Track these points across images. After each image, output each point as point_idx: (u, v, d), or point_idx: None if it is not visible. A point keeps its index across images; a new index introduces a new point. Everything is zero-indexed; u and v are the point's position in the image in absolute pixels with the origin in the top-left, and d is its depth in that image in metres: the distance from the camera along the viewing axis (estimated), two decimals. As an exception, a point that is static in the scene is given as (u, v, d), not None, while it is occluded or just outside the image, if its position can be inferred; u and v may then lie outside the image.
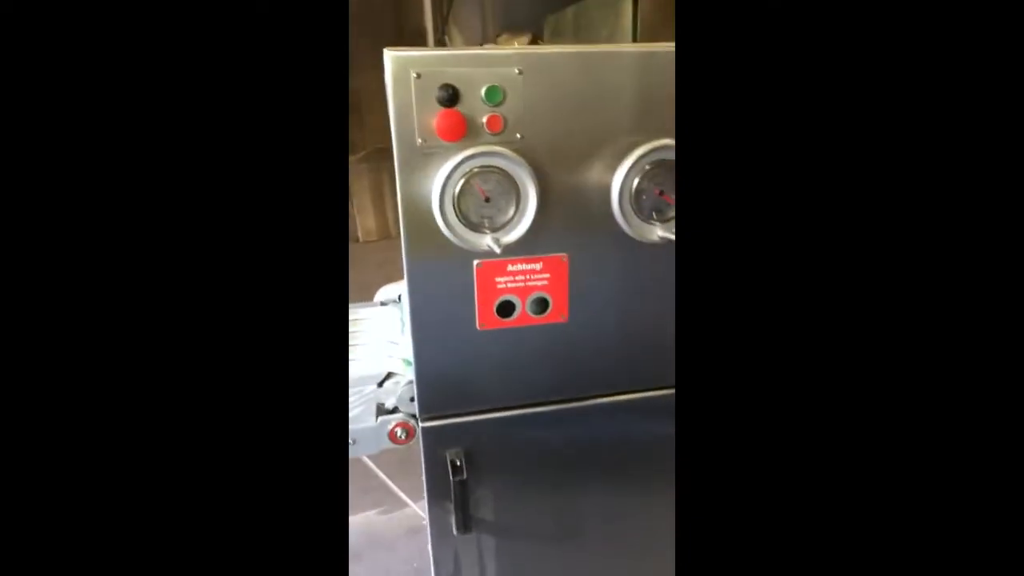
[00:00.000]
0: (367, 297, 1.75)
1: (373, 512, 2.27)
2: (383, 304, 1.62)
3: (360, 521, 2.24)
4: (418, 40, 4.92)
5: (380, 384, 1.19)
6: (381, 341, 1.35)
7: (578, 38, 1.52)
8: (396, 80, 0.86)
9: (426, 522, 1.13)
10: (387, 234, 5.37)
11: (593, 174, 0.96)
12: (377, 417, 1.07)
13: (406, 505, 2.25)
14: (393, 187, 0.91)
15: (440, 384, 1.03)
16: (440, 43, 4.77)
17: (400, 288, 1.69)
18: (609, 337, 1.06)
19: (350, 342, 1.34)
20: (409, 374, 1.17)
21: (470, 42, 4.61)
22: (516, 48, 0.92)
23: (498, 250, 0.90)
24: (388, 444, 1.07)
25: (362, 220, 5.36)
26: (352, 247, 5.10)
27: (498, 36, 3.84)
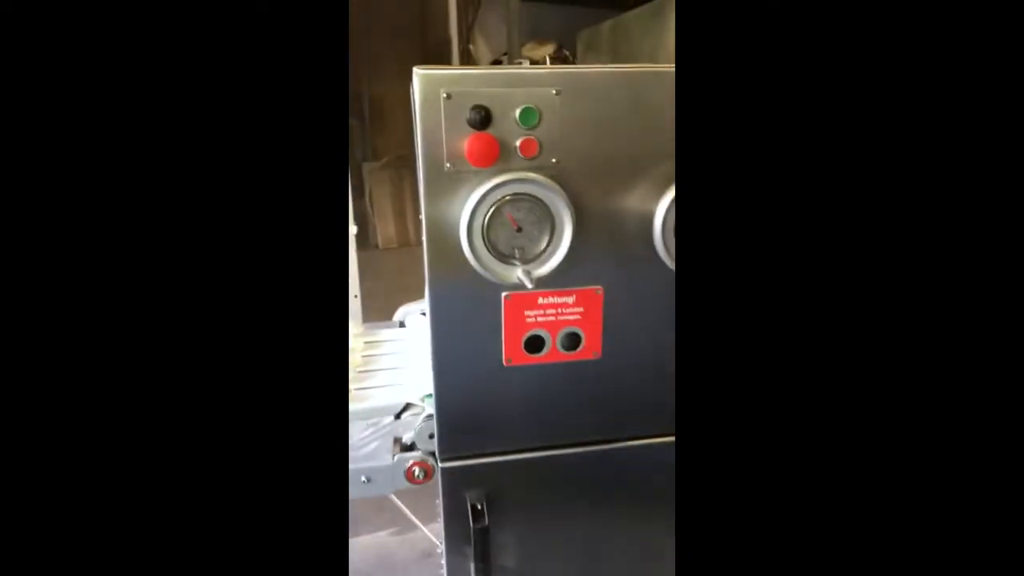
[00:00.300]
0: (384, 304, 1.69)
1: (385, 533, 2.21)
2: (402, 325, 1.56)
3: (372, 542, 2.18)
4: (443, 48, 4.90)
5: (398, 416, 1.12)
6: (400, 366, 1.29)
7: (615, 55, 1.43)
8: (424, 99, 0.80)
9: (440, 548, 1.06)
10: (406, 241, 5.34)
11: (634, 202, 0.89)
12: (394, 454, 1.01)
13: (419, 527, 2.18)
14: (414, 194, 0.85)
15: (462, 422, 0.96)
16: (465, 52, 4.73)
17: (421, 306, 1.63)
18: (645, 376, 0.98)
19: (365, 367, 1.28)
20: (429, 407, 1.10)
21: (495, 51, 4.57)
22: (553, 68, 0.85)
23: (530, 285, 0.83)
24: (405, 484, 1.00)
25: (382, 227, 5.33)
26: (371, 254, 5.08)
27: (523, 45, 3.79)
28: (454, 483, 0.99)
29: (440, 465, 0.98)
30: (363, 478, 0.99)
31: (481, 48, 4.75)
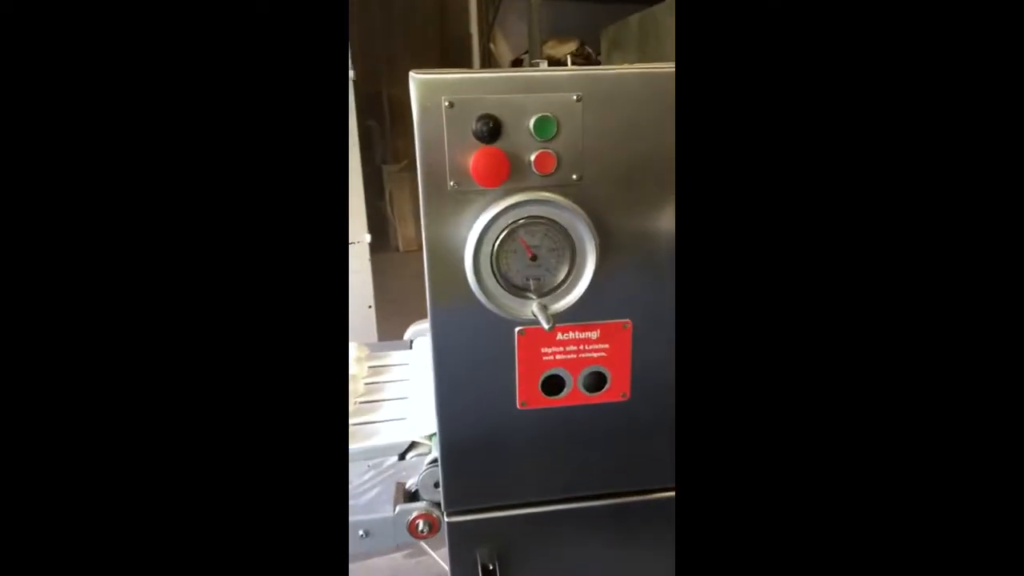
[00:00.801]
0: (402, 309, 1.59)
1: (400, 555, 2.12)
2: (411, 345, 1.46)
3: (386, 564, 2.09)
4: (462, 48, 4.78)
5: (402, 456, 1.02)
6: (407, 396, 1.18)
7: (643, 53, 1.29)
8: (423, 108, 0.69)
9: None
10: (427, 245, 5.24)
11: (667, 223, 0.77)
12: (395, 505, 0.90)
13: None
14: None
15: (471, 471, 0.85)
16: (486, 51, 4.62)
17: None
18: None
19: (368, 397, 1.18)
20: (435, 449, 0.99)
21: (516, 50, 4.44)
22: (573, 69, 0.73)
23: (547, 325, 0.71)
24: (407, 538, 0.90)
25: (402, 230, 5.25)
26: (391, 256, 5.00)
27: (544, 43, 3.66)
28: (462, 539, 0.88)
29: (446, 520, 0.87)
30: (361, 532, 0.88)
31: (502, 46, 4.63)
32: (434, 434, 1.03)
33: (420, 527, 0.89)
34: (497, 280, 0.73)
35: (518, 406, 0.82)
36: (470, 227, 0.72)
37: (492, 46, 4.63)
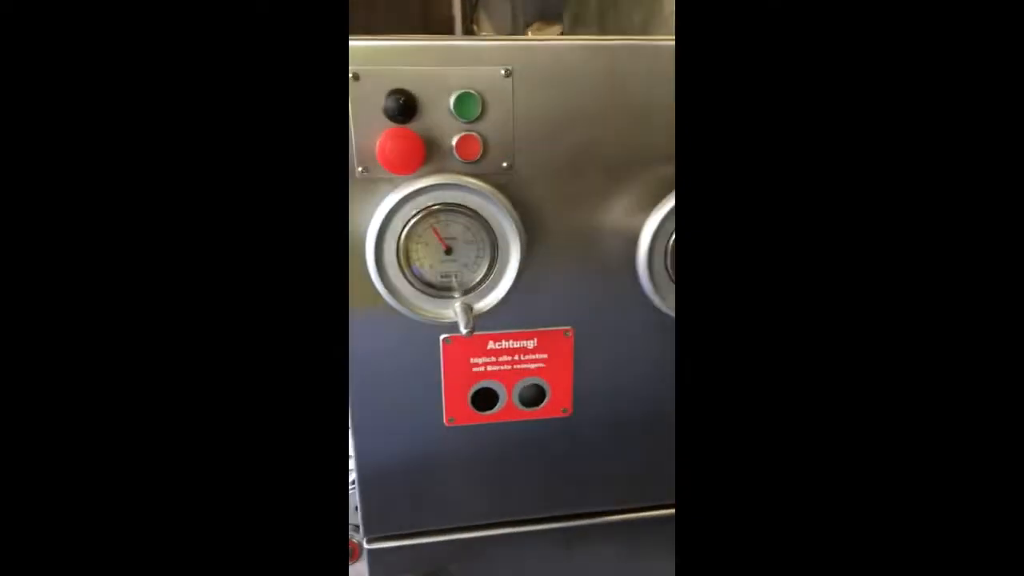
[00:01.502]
0: None
1: None
2: None
3: None
4: (446, 29, 4.64)
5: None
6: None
7: (602, 28, 1.18)
8: (325, 81, 0.59)
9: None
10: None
11: (613, 220, 0.68)
12: (312, 528, 0.81)
13: None
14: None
15: (394, 494, 0.76)
16: (468, 32, 4.47)
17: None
18: (626, 436, 0.77)
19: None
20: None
21: (500, 32, 4.30)
22: (502, 39, 0.63)
23: (464, 330, 0.62)
24: (325, 565, 0.80)
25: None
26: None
27: (528, 26, 3.54)
28: (385, 567, 0.79)
29: (367, 547, 0.78)
30: (272, 558, 0.79)
31: (485, 28, 4.49)
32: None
33: (339, 553, 0.79)
34: (405, 276, 0.63)
35: (445, 422, 0.73)
36: (373, 215, 0.62)
37: (475, 27, 4.49)
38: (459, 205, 0.62)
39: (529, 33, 3.73)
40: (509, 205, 0.63)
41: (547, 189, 0.65)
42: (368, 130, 0.60)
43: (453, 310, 0.65)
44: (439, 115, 0.61)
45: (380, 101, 0.59)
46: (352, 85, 0.59)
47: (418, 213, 0.61)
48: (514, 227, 0.63)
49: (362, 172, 0.61)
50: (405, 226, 0.62)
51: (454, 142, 0.61)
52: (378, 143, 0.59)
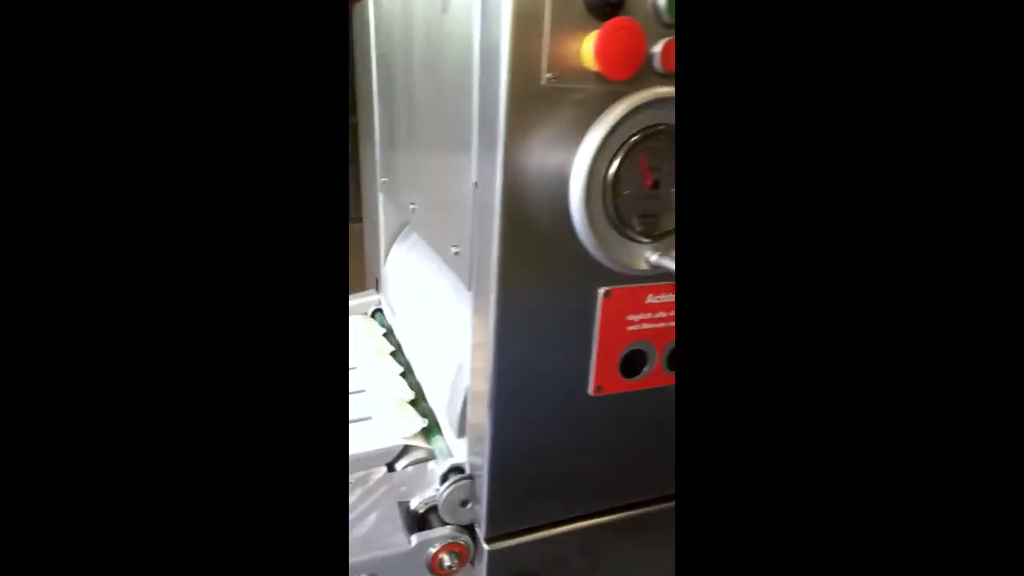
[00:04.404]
0: None
1: None
2: (377, 286, 1.19)
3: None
4: None
5: (391, 466, 0.77)
6: (366, 390, 0.93)
7: None
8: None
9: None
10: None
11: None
12: (410, 534, 0.66)
13: None
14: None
15: (524, 483, 0.64)
16: None
17: (406, 248, 1.25)
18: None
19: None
20: (446, 453, 0.77)
21: None
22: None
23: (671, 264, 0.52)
24: (428, 577, 0.66)
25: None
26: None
27: None
28: (502, 571, 0.66)
29: (487, 548, 0.65)
30: (365, 577, 0.64)
31: None
32: (436, 432, 0.79)
33: (445, 562, 0.66)
34: (610, 214, 0.52)
35: (591, 391, 0.62)
36: (572, 139, 0.51)
37: None
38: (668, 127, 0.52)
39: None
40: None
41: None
42: (562, 28, 0.48)
43: (649, 259, 0.55)
44: (641, 14, 0.50)
45: (583, -8, 0.48)
46: (557, -33, 0.46)
47: (636, 133, 0.50)
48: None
49: (551, 79, 0.49)
50: (617, 153, 0.51)
51: (659, 48, 0.51)
52: (596, 37, 0.47)
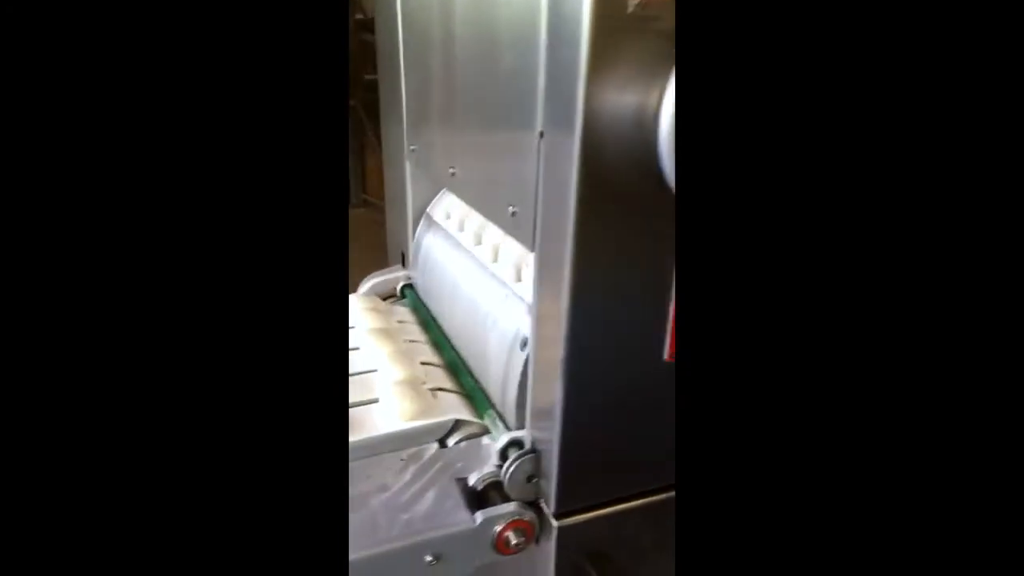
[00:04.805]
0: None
1: None
2: (401, 296, 1.15)
3: None
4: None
5: (442, 442, 0.73)
6: (416, 339, 0.88)
7: None
8: None
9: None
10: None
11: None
12: (474, 511, 0.62)
13: None
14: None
15: (596, 456, 0.60)
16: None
17: (395, 274, 1.21)
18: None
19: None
20: (496, 429, 0.73)
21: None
22: None
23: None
24: (493, 557, 0.63)
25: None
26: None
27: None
28: (571, 547, 0.63)
29: (556, 524, 0.61)
30: (429, 557, 0.60)
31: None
32: (488, 410, 0.75)
33: (511, 540, 0.62)
34: None
35: (666, 357, 0.58)
36: (661, 74, 0.46)
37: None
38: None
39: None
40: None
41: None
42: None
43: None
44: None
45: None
46: None
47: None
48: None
49: (638, 6, 0.44)
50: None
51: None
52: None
